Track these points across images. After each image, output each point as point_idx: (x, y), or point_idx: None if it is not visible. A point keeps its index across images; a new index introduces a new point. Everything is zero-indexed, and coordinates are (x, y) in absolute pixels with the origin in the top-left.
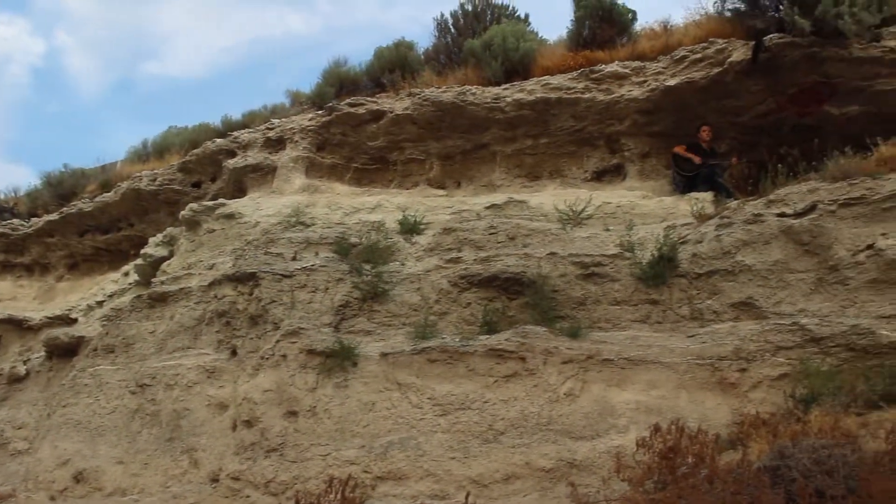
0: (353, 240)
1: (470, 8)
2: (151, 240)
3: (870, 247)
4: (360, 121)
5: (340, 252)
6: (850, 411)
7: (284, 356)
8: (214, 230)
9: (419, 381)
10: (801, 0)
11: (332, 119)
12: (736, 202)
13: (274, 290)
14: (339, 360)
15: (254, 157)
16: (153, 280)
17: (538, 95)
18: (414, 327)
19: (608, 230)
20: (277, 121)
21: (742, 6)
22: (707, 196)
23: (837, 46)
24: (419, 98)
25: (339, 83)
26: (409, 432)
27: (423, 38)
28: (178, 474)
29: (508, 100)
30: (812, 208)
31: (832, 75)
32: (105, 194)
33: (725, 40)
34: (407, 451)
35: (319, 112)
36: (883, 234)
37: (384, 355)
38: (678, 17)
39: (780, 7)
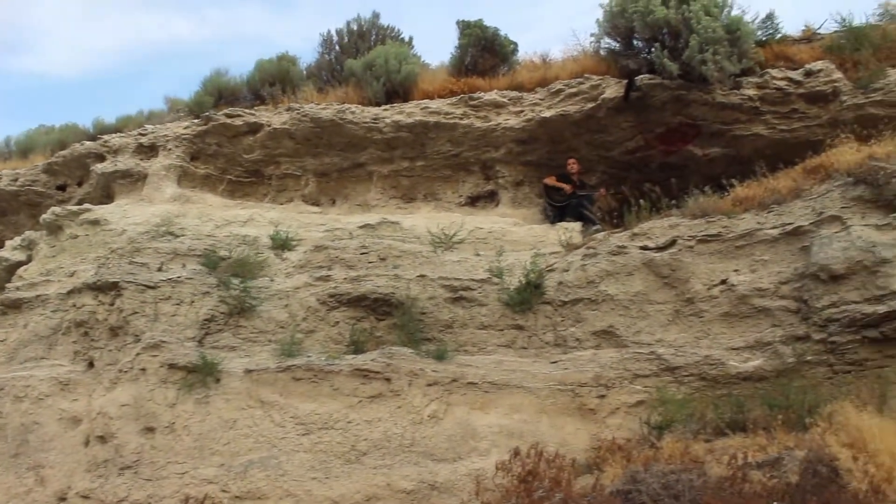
0: (223, 253)
1: (356, 27)
2: (8, 243)
3: (723, 282)
4: (237, 132)
5: (209, 265)
6: (700, 438)
7: (144, 370)
8: (78, 236)
9: (283, 400)
10: (671, 45)
11: (208, 129)
12: (602, 234)
13: (137, 301)
14: (201, 375)
15: (124, 162)
16: (8, 285)
17: (417, 118)
18: (280, 344)
19: (478, 255)
20: (151, 127)
21: (616, 46)
22: (575, 226)
23: (702, 91)
24: (298, 113)
25: (219, 93)
26: (271, 451)
27: (308, 54)
28: (22, 492)
29: (387, 121)
30: (672, 243)
31: (697, 117)
32: None
33: (600, 77)
34: (267, 471)
35: (195, 121)
36: (735, 271)
37: (248, 372)
38: (557, 52)
39: (652, 49)
